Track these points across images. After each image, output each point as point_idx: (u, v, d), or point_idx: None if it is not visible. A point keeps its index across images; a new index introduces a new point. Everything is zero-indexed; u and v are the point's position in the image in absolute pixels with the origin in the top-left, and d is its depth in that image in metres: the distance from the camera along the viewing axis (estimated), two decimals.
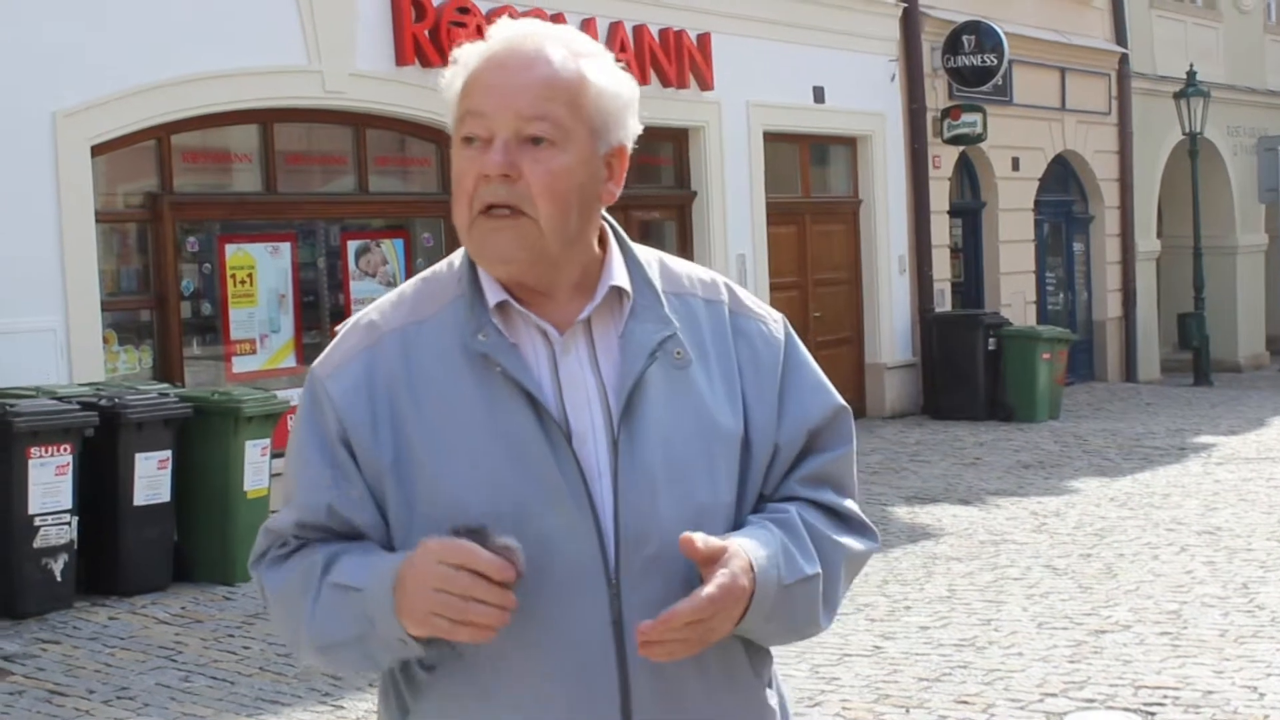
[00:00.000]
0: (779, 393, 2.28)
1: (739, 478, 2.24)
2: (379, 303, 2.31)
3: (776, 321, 2.35)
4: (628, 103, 2.23)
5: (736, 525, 2.21)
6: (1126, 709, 6.80)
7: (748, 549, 2.13)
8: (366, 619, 2.10)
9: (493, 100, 2.13)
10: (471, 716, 2.17)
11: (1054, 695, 7.03)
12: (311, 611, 2.16)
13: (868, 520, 2.34)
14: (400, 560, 2.08)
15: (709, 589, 2.06)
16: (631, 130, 2.24)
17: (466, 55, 2.20)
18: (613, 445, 2.15)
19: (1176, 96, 22.76)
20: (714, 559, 2.08)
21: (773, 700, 2.32)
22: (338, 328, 2.31)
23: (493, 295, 2.19)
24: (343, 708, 7.07)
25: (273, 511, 2.64)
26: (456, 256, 2.28)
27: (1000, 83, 19.32)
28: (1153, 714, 6.70)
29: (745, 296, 2.35)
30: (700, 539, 2.08)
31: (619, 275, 2.23)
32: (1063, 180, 22.29)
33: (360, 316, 2.29)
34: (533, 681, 2.14)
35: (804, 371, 2.32)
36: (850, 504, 2.33)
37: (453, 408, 2.15)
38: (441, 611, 2.02)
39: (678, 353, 2.21)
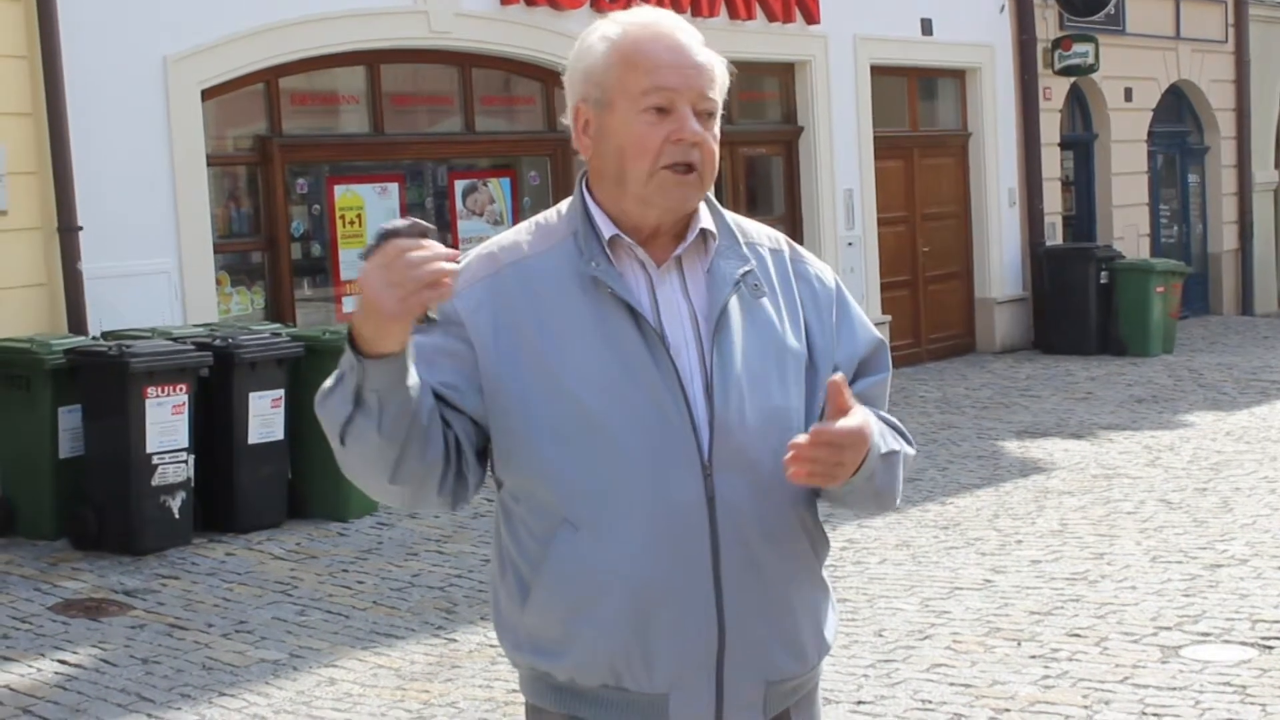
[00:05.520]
0: (835, 328, 2.70)
1: (806, 390, 2.63)
2: (499, 238, 2.70)
3: (827, 271, 2.78)
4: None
5: (805, 429, 2.52)
6: (1243, 643, 6.72)
7: (865, 412, 2.52)
8: (344, 373, 2.65)
9: (676, 78, 2.55)
10: (587, 577, 2.52)
11: (1168, 629, 6.96)
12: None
13: (908, 432, 2.77)
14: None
15: (850, 420, 2.43)
16: None
17: (615, 33, 2.58)
18: (702, 357, 2.55)
19: None
20: (845, 409, 2.45)
21: (826, 578, 2.73)
22: (460, 256, 2.52)
23: (607, 230, 2.60)
24: (455, 640, 7.16)
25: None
26: (564, 205, 2.68)
27: (1113, 12, 18.97)
28: (1270, 648, 6.62)
29: (803, 250, 2.78)
30: (844, 381, 2.47)
31: (706, 221, 2.64)
32: (1177, 111, 21.86)
33: (483, 247, 2.68)
34: (639, 546, 2.50)
35: (852, 311, 2.74)
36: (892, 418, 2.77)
37: (568, 322, 2.54)
38: (398, 286, 2.31)
39: (755, 285, 2.63)
